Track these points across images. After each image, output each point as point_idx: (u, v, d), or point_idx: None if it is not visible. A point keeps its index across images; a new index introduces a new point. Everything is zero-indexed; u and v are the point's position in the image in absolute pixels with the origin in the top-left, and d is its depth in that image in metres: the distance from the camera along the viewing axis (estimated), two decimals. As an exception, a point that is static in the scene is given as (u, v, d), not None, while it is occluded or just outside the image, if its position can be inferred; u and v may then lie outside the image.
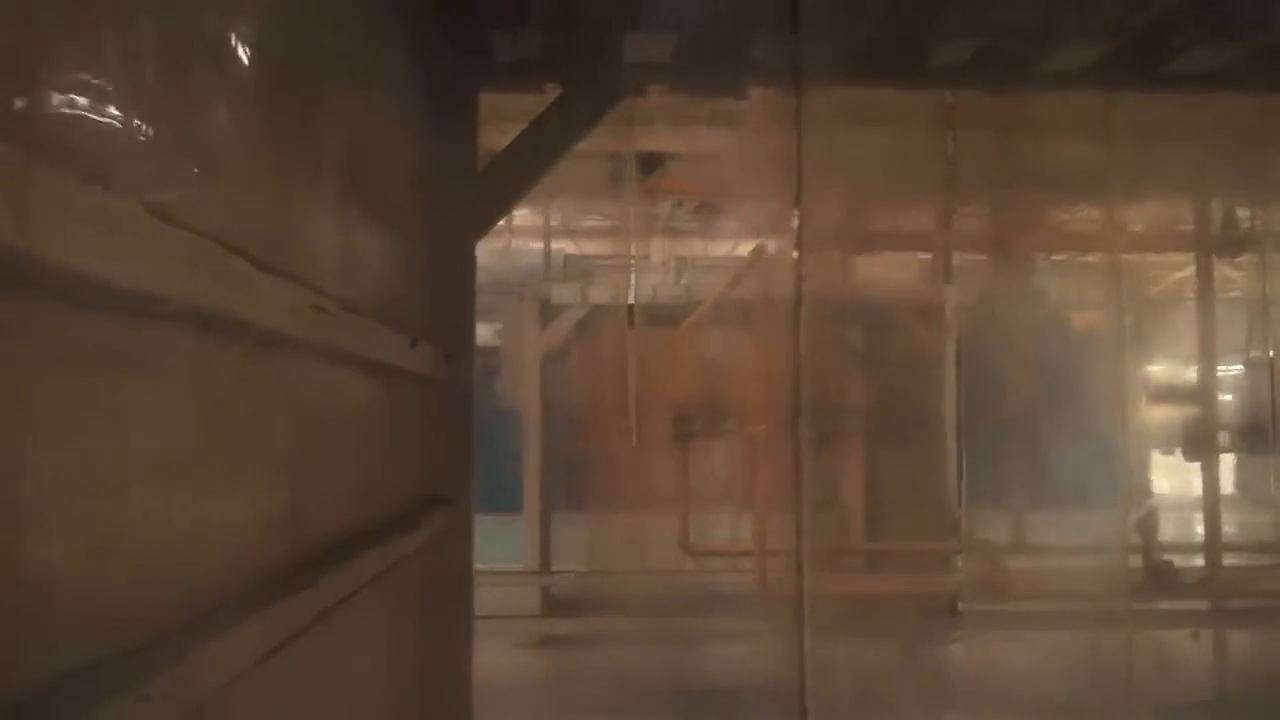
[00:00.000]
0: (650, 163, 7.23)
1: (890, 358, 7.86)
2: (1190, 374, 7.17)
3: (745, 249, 8.35)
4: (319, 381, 2.12)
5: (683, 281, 9.64)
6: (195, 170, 1.46)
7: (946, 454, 8.95)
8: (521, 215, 10.51)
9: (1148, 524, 7.81)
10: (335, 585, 1.92)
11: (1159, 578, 5.56)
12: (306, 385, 2.01)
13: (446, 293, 3.22)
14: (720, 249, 9.33)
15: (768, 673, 5.98)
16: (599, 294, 9.13)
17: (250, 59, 1.69)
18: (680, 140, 7.08)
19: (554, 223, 11.12)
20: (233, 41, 1.66)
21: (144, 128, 1.31)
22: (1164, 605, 5.73)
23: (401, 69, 2.91)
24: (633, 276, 8.82)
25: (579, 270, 13.05)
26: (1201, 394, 5.67)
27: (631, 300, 8.48)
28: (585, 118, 3.32)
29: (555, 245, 11.27)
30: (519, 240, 11.10)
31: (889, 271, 10.39)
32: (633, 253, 9.30)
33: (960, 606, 6.84)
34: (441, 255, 3.22)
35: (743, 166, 6.36)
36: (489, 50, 3.23)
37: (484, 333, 11.50)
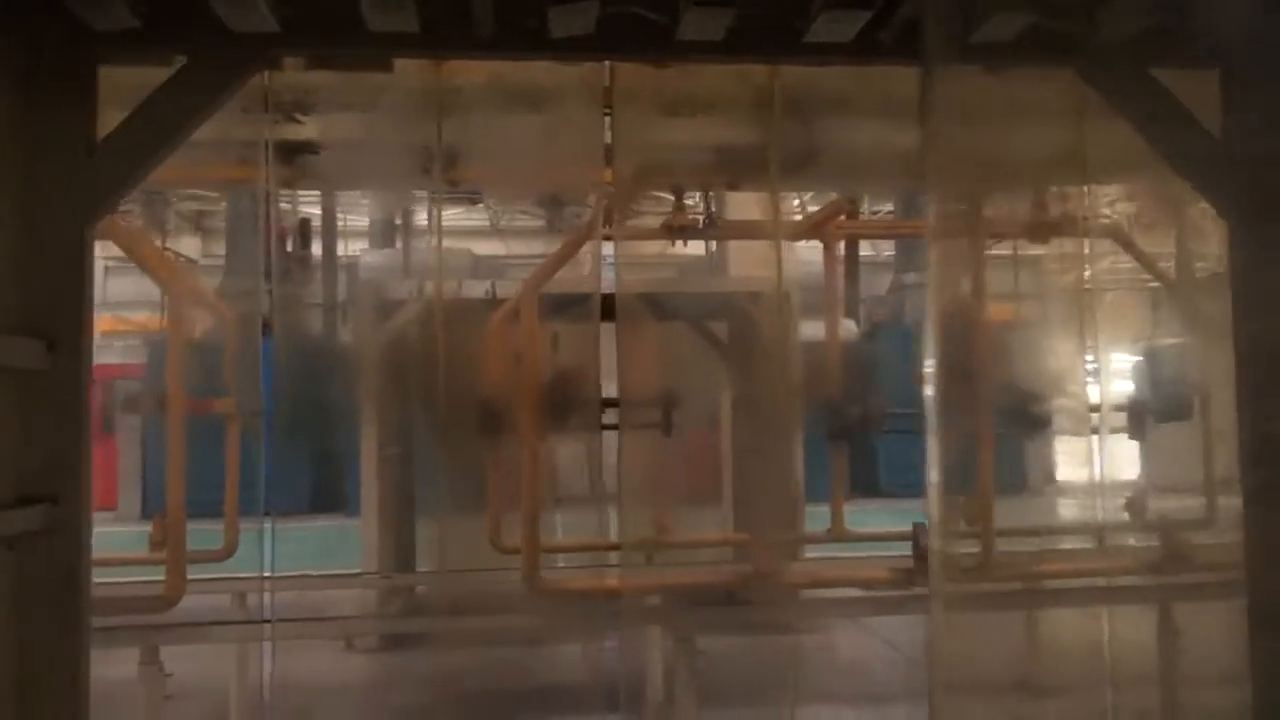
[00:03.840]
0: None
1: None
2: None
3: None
4: None
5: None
6: None
7: (792, 447, 8.94)
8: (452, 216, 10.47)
9: (972, 509, 7.80)
10: None
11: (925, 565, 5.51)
12: None
13: (50, 281, 3.05)
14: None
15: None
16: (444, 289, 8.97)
17: None
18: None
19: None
20: None
21: None
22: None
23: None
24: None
25: (490, 270, 12.92)
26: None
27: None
28: (204, 94, 3.15)
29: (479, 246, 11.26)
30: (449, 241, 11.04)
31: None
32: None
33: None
34: (44, 243, 3.05)
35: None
36: (99, 20, 3.05)
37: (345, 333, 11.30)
